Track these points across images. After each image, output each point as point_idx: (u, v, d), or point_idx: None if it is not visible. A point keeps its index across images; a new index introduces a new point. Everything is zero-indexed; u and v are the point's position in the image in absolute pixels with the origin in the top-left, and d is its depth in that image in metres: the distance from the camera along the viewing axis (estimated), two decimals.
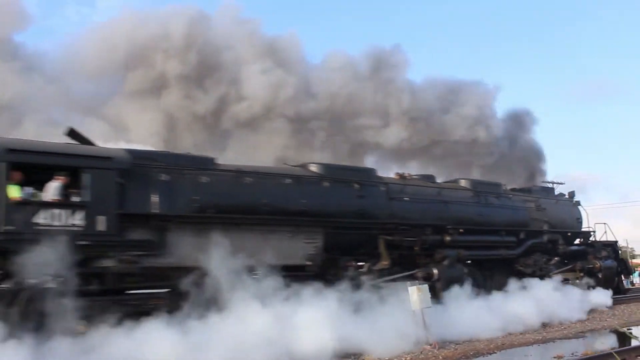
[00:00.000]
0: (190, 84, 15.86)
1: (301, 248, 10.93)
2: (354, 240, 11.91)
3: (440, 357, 9.24)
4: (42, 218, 8.28)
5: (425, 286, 10.59)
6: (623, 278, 19.07)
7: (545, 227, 16.25)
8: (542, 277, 14.80)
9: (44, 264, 7.73)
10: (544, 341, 11.07)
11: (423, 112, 18.19)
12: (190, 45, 15.62)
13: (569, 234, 17.30)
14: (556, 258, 16.28)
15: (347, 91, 17.26)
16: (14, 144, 8.54)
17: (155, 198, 9.34)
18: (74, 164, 8.79)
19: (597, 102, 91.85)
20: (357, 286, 10.53)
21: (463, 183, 15.26)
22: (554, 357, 9.11)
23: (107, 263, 8.85)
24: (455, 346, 10.17)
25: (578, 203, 18.33)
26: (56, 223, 8.35)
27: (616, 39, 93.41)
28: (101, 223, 8.71)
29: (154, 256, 9.25)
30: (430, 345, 9.81)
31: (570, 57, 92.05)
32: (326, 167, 12.26)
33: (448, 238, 13.37)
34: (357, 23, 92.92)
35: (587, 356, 8.73)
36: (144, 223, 9.21)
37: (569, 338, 11.51)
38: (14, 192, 8.19)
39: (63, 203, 8.53)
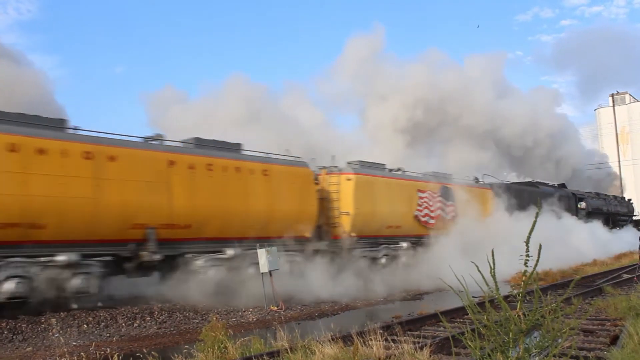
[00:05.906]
0: None
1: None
2: None
3: (283, 318, 9.84)
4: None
5: (274, 248, 10.83)
6: None
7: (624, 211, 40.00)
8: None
9: None
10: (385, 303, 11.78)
11: None
12: None
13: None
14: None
15: None
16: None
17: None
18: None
19: None
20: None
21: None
22: (393, 317, 9.68)
23: None
24: (302, 307, 10.96)
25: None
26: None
27: None
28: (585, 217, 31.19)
29: None
30: (277, 306, 10.53)
31: None
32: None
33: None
34: None
35: (421, 315, 9.35)
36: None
37: (407, 300, 12.61)
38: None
39: (583, 208, 31.21)
